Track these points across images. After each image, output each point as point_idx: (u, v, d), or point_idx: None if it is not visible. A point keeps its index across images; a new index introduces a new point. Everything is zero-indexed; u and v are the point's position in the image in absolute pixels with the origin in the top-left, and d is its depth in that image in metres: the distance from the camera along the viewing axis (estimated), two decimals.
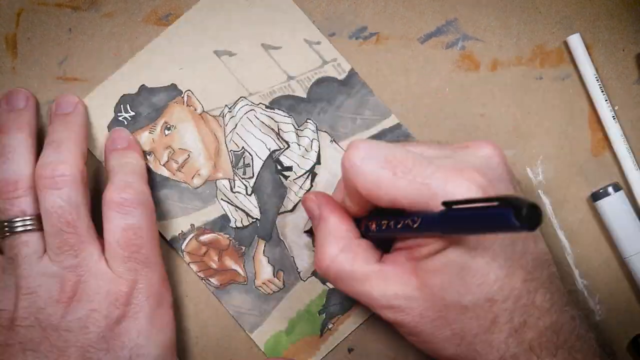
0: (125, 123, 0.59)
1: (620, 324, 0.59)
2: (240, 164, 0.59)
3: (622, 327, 0.59)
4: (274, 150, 0.59)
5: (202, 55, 0.59)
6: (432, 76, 0.60)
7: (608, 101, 0.59)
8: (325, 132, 0.59)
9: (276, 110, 0.59)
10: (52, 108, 0.57)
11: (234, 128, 0.59)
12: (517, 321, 0.49)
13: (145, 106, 0.59)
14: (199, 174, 0.59)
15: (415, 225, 0.47)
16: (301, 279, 0.59)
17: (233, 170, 0.59)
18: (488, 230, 0.42)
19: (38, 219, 0.53)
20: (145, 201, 0.54)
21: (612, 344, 0.59)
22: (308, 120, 0.59)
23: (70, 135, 0.55)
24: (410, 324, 0.50)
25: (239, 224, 0.59)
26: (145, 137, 0.59)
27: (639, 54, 0.60)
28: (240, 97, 0.59)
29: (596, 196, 0.58)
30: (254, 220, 0.59)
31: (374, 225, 0.52)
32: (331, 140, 0.59)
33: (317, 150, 0.59)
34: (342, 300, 0.59)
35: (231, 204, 0.59)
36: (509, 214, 0.40)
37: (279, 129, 0.59)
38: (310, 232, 0.59)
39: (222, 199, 0.59)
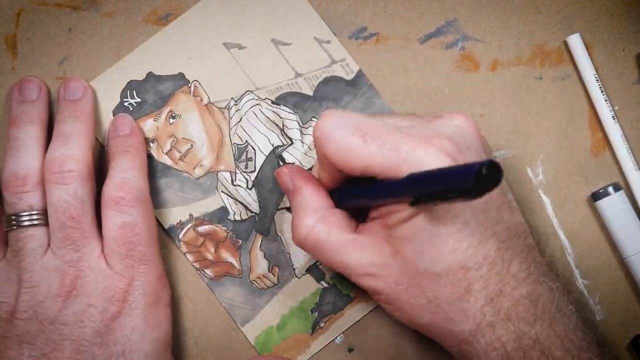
0: (131, 109, 0.59)
1: (620, 324, 0.59)
2: (243, 157, 0.59)
3: (622, 327, 0.59)
4: (277, 146, 0.59)
5: (211, 47, 0.59)
6: (431, 76, 0.60)
7: (608, 101, 0.59)
8: None
9: (282, 107, 0.59)
10: (60, 91, 0.57)
11: (239, 121, 0.59)
12: (492, 289, 0.49)
13: (151, 93, 0.59)
14: (200, 165, 0.59)
15: (383, 187, 0.48)
16: (296, 276, 0.59)
17: (235, 164, 0.59)
18: (451, 191, 0.42)
19: (45, 213, 0.54)
20: (142, 199, 0.55)
21: (612, 344, 0.58)
22: (313, 119, 0.59)
23: (80, 126, 0.56)
24: (386, 291, 0.51)
25: (238, 217, 0.59)
26: (149, 125, 0.59)
27: (639, 54, 0.59)
28: (247, 91, 0.59)
29: (596, 196, 0.58)
30: (253, 214, 0.59)
31: (346, 195, 0.52)
32: None
33: None
34: (335, 299, 0.59)
35: (231, 197, 0.59)
36: (470, 171, 0.40)
37: (283, 125, 0.59)
38: (289, 209, 0.59)
39: (222, 191, 0.59)
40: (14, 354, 0.52)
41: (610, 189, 0.58)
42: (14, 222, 0.54)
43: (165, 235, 0.58)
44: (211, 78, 0.59)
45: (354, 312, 0.59)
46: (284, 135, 0.59)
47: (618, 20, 0.60)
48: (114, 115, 0.59)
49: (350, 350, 0.59)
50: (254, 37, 0.59)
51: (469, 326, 0.49)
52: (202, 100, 0.59)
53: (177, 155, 0.59)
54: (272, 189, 0.59)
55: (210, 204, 0.59)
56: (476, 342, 0.49)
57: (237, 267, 0.59)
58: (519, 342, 0.48)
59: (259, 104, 0.59)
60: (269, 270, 0.59)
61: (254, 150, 0.59)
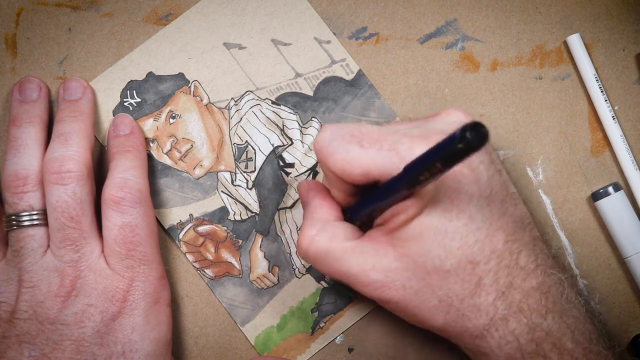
0: (131, 109, 0.59)
1: (620, 324, 0.59)
2: (243, 157, 0.59)
3: (622, 327, 0.59)
4: (278, 146, 0.59)
5: (211, 47, 0.59)
6: (431, 76, 0.60)
7: (608, 101, 0.59)
8: None
9: (282, 107, 0.59)
10: (60, 91, 0.58)
11: (239, 121, 0.59)
12: (503, 282, 0.49)
13: (151, 93, 0.59)
14: (201, 165, 0.59)
15: (383, 189, 0.48)
16: (296, 276, 0.59)
17: (235, 164, 0.59)
18: (443, 159, 0.42)
19: (45, 213, 0.54)
20: (143, 199, 0.55)
21: (612, 344, 0.58)
22: (313, 119, 0.59)
23: (79, 126, 0.56)
24: (394, 298, 0.50)
25: (238, 217, 0.59)
26: (149, 124, 0.59)
27: (639, 54, 0.59)
28: (247, 91, 0.59)
29: (596, 196, 0.58)
30: (253, 214, 0.59)
31: (355, 209, 0.52)
32: None
33: None
34: (335, 299, 0.59)
35: (231, 197, 0.59)
36: (455, 135, 0.40)
37: (283, 125, 0.59)
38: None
39: (222, 191, 0.59)
40: (14, 354, 0.52)
41: (610, 189, 0.58)
42: (14, 222, 0.54)
43: (165, 235, 0.59)
44: (211, 78, 0.59)
45: (354, 312, 0.59)
46: (284, 136, 0.59)
47: (618, 20, 0.60)
48: (114, 115, 0.59)
49: (350, 350, 0.59)
50: (254, 37, 0.59)
51: (483, 321, 0.49)
52: (202, 100, 0.59)
53: (177, 155, 0.59)
54: (272, 188, 0.59)
55: (210, 204, 0.59)
56: (490, 337, 0.49)
57: (237, 267, 0.59)
58: (532, 335, 0.49)
59: (259, 104, 0.59)
60: (269, 270, 0.59)
61: (254, 150, 0.59)
